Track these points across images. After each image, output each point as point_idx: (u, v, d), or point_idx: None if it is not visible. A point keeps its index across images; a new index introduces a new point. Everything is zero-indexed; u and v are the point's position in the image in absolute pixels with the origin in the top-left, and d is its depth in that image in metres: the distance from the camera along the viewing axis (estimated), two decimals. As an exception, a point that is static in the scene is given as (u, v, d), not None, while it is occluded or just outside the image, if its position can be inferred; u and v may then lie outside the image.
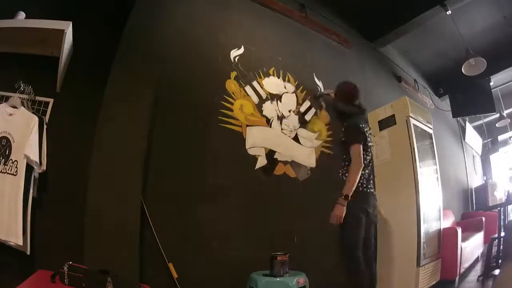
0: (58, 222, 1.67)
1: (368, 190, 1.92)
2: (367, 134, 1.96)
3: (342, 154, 1.98)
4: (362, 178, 1.88)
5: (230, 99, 2.30)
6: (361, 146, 1.87)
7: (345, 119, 2.05)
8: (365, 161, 1.89)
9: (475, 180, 5.67)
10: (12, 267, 1.49)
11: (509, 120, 4.90)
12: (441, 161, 3.16)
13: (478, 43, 3.68)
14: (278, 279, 1.75)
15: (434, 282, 2.57)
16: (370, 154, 2.01)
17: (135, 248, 1.62)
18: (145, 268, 1.66)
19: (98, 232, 1.55)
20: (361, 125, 1.94)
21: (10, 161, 1.53)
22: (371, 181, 1.99)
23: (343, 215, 1.77)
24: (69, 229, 1.64)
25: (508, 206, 3.11)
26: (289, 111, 2.65)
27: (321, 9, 3.37)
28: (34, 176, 1.61)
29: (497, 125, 5.10)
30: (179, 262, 1.78)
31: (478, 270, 3.22)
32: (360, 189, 1.86)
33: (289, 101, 2.67)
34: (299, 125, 2.67)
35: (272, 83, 2.60)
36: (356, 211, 1.81)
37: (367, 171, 1.93)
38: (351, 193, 1.80)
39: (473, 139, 5.73)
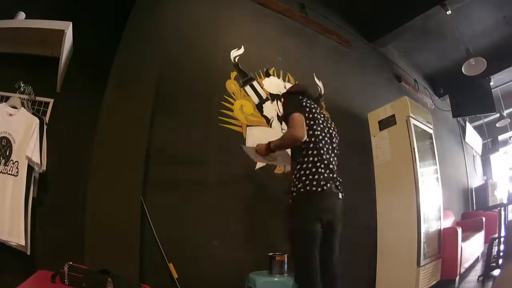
0: (58, 222, 1.67)
1: (320, 189, 1.45)
2: (312, 110, 1.62)
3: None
4: (309, 169, 1.49)
5: (230, 99, 2.30)
6: (302, 116, 1.53)
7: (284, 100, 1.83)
8: (313, 138, 1.55)
9: (475, 180, 5.67)
10: (12, 267, 1.49)
11: (509, 120, 4.90)
12: (441, 161, 3.17)
13: (478, 43, 3.68)
14: (276, 279, 1.76)
15: (434, 282, 2.57)
16: (323, 135, 1.60)
17: (135, 248, 1.62)
18: (145, 268, 1.66)
19: (98, 232, 1.55)
20: (299, 99, 1.64)
21: (11, 161, 1.53)
22: (328, 175, 1.51)
23: (261, 152, 1.69)
24: (69, 229, 1.64)
25: (508, 206, 3.10)
26: (289, 111, 2.64)
27: (321, 9, 3.37)
28: (35, 177, 1.61)
29: (497, 125, 5.10)
30: (179, 262, 1.78)
31: (478, 270, 3.22)
32: (308, 188, 1.45)
33: (289, 101, 2.67)
34: (299, 125, 2.67)
35: (272, 83, 2.60)
36: (304, 217, 1.45)
37: (314, 157, 1.51)
38: (274, 146, 1.62)
39: (473, 139, 5.73)
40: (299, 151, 1.55)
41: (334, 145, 1.70)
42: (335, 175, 1.58)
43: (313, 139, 1.56)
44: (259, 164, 2.30)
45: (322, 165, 1.52)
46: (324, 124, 1.68)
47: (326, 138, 1.63)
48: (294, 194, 1.50)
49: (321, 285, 1.40)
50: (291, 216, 1.52)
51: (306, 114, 1.59)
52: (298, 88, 1.85)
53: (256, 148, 1.79)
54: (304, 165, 1.52)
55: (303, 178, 1.49)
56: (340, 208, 1.57)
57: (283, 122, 2.47)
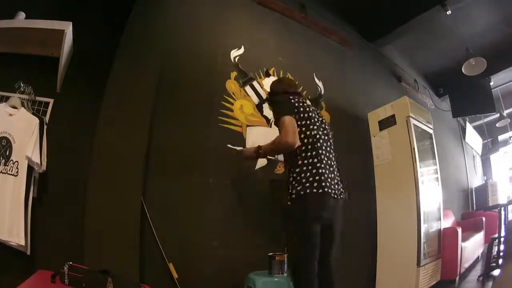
0: (58, 222, 1.67)
1: (321, 191, 1.42)
2: (306, 108, 1.56)
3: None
4: (309, 171, 1.45)
5: (230, 99, 2.30)
6: (293, 118, 1.47)
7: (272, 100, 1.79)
8: (310, 138, 1.50)
9: (475, 180, 5.67)
10: (12, 267, 1.49)
11: (509, 120, 4.90)
12: (441, 161, 3.16)
13: (478, 43, 3.68)
14: (276, 279, 1.76)
15: (434, 282, 2.57)
16: (320, 134, 1.55)
17: (135, 248, 1.62)
18: (145, 268, 1.66)
19: (98, 232, 1.55)
20: (289, 99, 1.57)
21: (11, 161, 1.53)
22: (328, 175, 1.48)
23: (247, 157, 1.70)
24: (69, 229, 1.64)
25: (508, 206, 3.10)
26: (289, 111, 2.64)
27: (321, 9, 3.37)
28: (34, 177, 1.61)
29: (497, 125, 5.11)
30: (179, 262, 1.78)
31: (478, 270, 3.22)
32: (308, 190, 1.42)
33: (289, 101, 2.66)
34: (299, 125, 2.67)
35: (272, 83, 2.60)
36: (304, 218, 1.44)
37: (313, 158, 1.47)
38: (264, 152, 1.61)
39: (473, 139, 5.73)
40: (295, 153, 1.49)
41: (331, 144, 1.65)
42: (336, 174, 1.55)
43: (310, 139, 1.51)
44: (259, 164, 2.30)
45: (322, 165, 1.47)
46: (320, 122, 1.62)
47: (323, 136, 1.58)
48: (293, 196, 1.45)
49: (317, 285, 1.40)
50: (290, 218, 1.49)
51: (300, 115, 1.53)
52: (282, 87, 1.77)
53: (244, 153, 1.76)
54: (304, 168, 1.46)
55: (303, 181, 1.44)
56: (340, 209, 1.55)
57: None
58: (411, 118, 2.71)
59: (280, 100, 1.60)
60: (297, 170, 1.47)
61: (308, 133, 1.53)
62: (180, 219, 1.89)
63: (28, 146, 1.57)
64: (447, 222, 3.42)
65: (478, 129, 5.98)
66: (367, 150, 2.96)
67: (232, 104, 2.30)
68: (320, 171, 1.46)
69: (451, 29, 3.52)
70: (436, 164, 2.99)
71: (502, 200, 4.99)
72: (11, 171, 1.52)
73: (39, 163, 1.59)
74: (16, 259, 1.50)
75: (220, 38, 2.42)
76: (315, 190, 1.43)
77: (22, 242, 1.46)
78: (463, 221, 4.20)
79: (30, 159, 1.56)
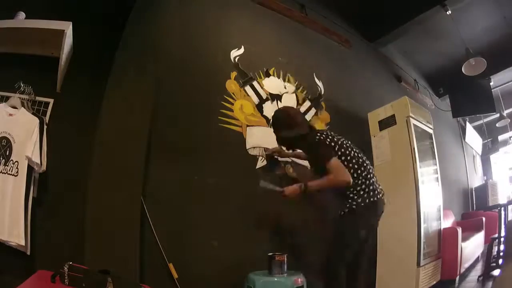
0: (58, 222, 1.67)
1: (378, 197, 1.70)
2: (337, 142, 1.74)
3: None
4: (363, 192, 1.67)
5: (230, 99, 2.30)
6: (338, 160, 1.66)
7: (299, 145, 1.89)
8: (355, 175, 1.67)
9: (475, 180, 5.67)
10: (12, 267, 1.49)
11: (509, 120, 4.90)
12: (441, 161, 3.16)
13: (478, 43, 3.68)
14: (275, 279, 1.76)
15: (434, 282, 2.57)
16: (358, 166, 1.72)
17: (135, 248, 1.62)
18: (145, 268, 1.66)
19: (98, 232, 1.55)
20: (323, 139, 1.73)
21: (11, 161, 1.53)
22: (376, 188, 1.73)
23: (294, 196, 1.76)
24: (69, 229, 1.64)
25: (508, 206, 3.10)
26: (289, 111, 2.64)
27: (321, 9, 3.37)
28: (35, 177, 1.61)
29: (497, 125, 5.10)
30: (179, 262, 1.78)
31: (478, 270, 3.22)
32: (373, 198, 1.67)
33: (289, 101, 2.67)
34: (299, 125, 2.67)
35: (272, 83, 2.60)
36: (367, 221, 1.69)
37: (362, 186, 1.68)
38: (311, 187, 1.69)
39: (473, 139, 5.73)
40: (355, 183, 1.67)
41: (364, 158, 1.82)
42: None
43: (351, 164, 1.69)
44: (259, 164, 2.30)
45: (376, 187, 1.72)
46: (349, 146, 1.78)
47: (355, 154, 1.76)
48: (354, 206, 1.65)
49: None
50: (347, 225, 1.68)
51: (338, 153, 1.69)
52: (290, 124, 1.84)
53: (287, 193, 1.79)
54: (362, 187, 1.68)
55: (363, 194, 1.67)
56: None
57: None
58: (411, 118, 2.71)
59: (314, 143, 1.73)
60: (354, 191, 1.68)
61: (346, 163, 1.70)
62: (180, 219, 1.89)
63: (28, 146, 1.56)
64: (447, 222, 3.42)
65: (478, 129, 5.98)
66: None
67: (232, 104, 2.30)
68: (373, 187, 1.71)
69: (451, 29, 3.52)
70: (436, 164, 2.99)
71: (502, 200, 5.00)
72: (11, 171, 1.52)
73: (39, 163, 1.59)
74: (16, 259, 1.50)
75: (220, 38, 2.42)
76: (372, 199, 1.67)
77: (22, 242, 1.46)
78: (463, 221, 4.20)
79: (30, 159, 1.56)
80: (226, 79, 2.33)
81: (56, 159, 1.70)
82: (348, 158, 1.71)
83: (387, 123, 2.85)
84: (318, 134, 1.77)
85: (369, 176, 1.72)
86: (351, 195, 1.66)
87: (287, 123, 1.85)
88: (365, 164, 1.75)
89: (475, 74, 3.35)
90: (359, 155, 1.78)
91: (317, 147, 1.72)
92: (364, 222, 1.67)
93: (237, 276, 1.86)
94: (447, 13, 3.21)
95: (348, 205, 1.66)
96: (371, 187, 1.68)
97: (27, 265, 1.50)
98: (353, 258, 1.67)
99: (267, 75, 2.59)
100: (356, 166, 1.70)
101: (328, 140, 1.73)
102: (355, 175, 1.67)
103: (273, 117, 1.98)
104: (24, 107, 1.65)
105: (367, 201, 1.65)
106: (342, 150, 1.72)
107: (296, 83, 2.77)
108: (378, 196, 1.69)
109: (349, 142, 1.82)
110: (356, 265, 1.70)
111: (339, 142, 1.75)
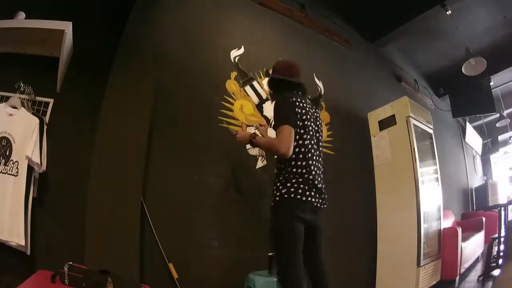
0: (58, 222, 1.67)
1: (304, 198, 1.48)
2: (303, 115, 1.56)
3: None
4: (296, 180, 1.49)
5: (230, 99, 2.30)
6: (292, 129, 1.49)
7: (278, 91, 1.75)
8: (302, 148, 1.52)
9: (475, 180, 5.67)
10: (12, 267, 1.49)
11: (509, 120, 4.90)
12: (441, 161, 3.17)
13: (478, 43, 3.68)
14: (275, 279, 1.75)
15: (434, 282, 2.57)
16: (315, 145, 1.59)
17: (135, 248, 1.62)
18: (145, 268, 1.66)
19: (98, 232, 1.55)
20: (293, 102, 1.56)
21: (11, 161, 1.53)
22: (312, 189, 1.51)
23: (242, 142, 1.76)
24: (69, 229, 1.64)
25: (508, 206, 3.10)
26: (289, 111, 2.64)
27: (322, 9, 3.37)
28: (34, 177, 1.61)
29: (497, 125, 5.10)
30: (179, 262, 1.78)
31: (478, 270, 3.23)
32: (292, 196, 1.47)
33: (289, 101, 2.66)
34: (299, 125, 2.66)
35: (272, 83, 2.59)
36: (287, 218, 1.47)
37: (302, 169, 1.50)
38: (257, 143, 1.64)
39: (473, 139, 5.73)
40: (287, 160, 1.52)
41: (320, 149, 1.68)
42: (320, 192, 1.57)
43: (302, 149, 1.54)
44: (259, 164, 2.30)
45: (311, 176, 1.52)
46: (312, 128, 1.62)
47: (314, 146, 1.61)
48: (277, 198, 1.51)
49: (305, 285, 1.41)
50: (273, 218, 1.54)
51: (298, 122, 1.54)
52: (285, 75, 1.71)
53: (238, 135, 1.81)
54: (292, 175, 1.51)
55: (288, 185, 1.49)
56: (319, 218, 1.61)
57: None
58: (411, 118, 2.71)
59: (284, 103, 1.58)
60: (286, 175, 1.52)
61: (301, 142, 1.55)
62: (180, 219, 1.89)
63: (28, 146, 1.56)
64: (447, 222, 3.43)
65: (478, 129, 5.98)
66: (367, 150, 2.96)
67: (232, 104, 2.30)
68: (306, 186, 1.50)
69: (451, 29, 3.52)
70: (436, 164, 2.99)
71: (502, 200, 5.00)
72: (11, 171, 1.52)
73: (39, 163, 1.59)
74: (16, 259, 1.50)
75: (220, 38, 2.42)
76: (299, 197, 1.48)
77: (22, 242, 1.46)
78: (463, 221, 4.20)
79: (30, 159, 1.55)
80: (226, 79, 2.33)
81: (56, 159, 1.70)
82: (300, 142, 1.54)
83: (387, 123, 2.85)
84: (296, 99, 1.58)
85: (308, 176, 1.51)
86: (279, 185, 1.53)
87: (286, 66, 1.76)
88: (310, 162, 1.54)
89: (475, 74, 3.35)
90: (314, 147, 1.60)
91: (283, 105, 1.57)
92: (285, 218, 1.48)
93: (237, 276, 1.86)
94: (447, 13, 3.21)
95: (272, 197, 1.55)
96: (301, 186, 1.49)
97: (27, 265, 1.50)
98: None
99: (267, 75, 2.57)
100: (301, 156, 1.53)
101: (300, 109, 1.56)
102: (293, 163, 1.52)
103: (276, 62, 1.87)
104: (24, 107, 1.65)
105: (292, 196, 1.47)
106: (305, 129, 1.57)
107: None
108: (307, 199, 1.49)
109: (318, 129, 1.69)
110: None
111: (307, 122, 1.58)
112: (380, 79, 3.82)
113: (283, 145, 1.45)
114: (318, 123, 1.71)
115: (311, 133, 1.60)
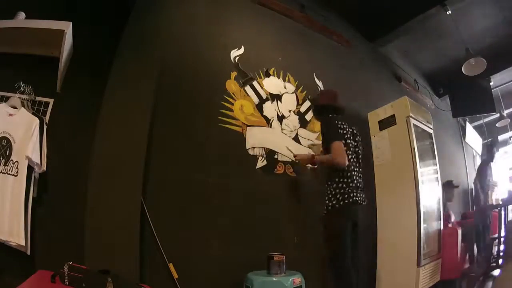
0: (58, 222, 1.67)
1: (351, 201, 1.85)
2: (344, 135, 1.94)
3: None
4: (344, 190, 1.85)
5: (230, 99, 2.30)
6: (342, 144, 1.86)
7: (322, 116, 2.17)
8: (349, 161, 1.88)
9: (475, 180, 5.65)
10: (12, 267, 1.49)
11: (509, 120, 4.90)
12: (441, 161, 3.17)
13: (478, 43, 3.68)
14: (274, 279, 1.76)
15: (434, 282, 2.57)
16: (354, 158, 1.97)
17: (135, 248, 1.62)
18: (145, 268, 1.66)
19: (98, 232, 1.55)
20: (337, 125, 1.95)
21: (11, 161, 1.53)
22: (355, 194, 1.88)
23: (304, 162, 2.25)
24: (69, 229, 1.64)
25: (508, 206, 3.10)
26: (289, 111, 2.65)
27: (321, 9, 3.37)
28: (34, 177, 1.61)
29: (497, 125, 5.10)
30: (179, 262, 1.78)
31: (478, 270, 3.22)
32: (342, 203, 1.83)
33: (289, 101, 2.67)
34: (299, 125, 2.67)
35: (272, 83, 2.60)
36: (339, 223, 1.82)
37: (347, 179, 1.88)
38: (319, 162, 2.07)
39: (473, 139, 5.73)
40: (337, 173, 1.88)
41: (360, 161, 2.02)
42: (361, 192, 1.94)
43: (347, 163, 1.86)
44: (259, 164, 2.30)
45: (353, 185, 1.88)
46: (352, 145, 1.98)
47: (354, 159, 1.95)
48: (330, 208, 1.85)
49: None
50: (328, 224, 1.87)
51: (345, 141, 1.90)
52: (330, 102, 2.13)
53: (298, 158, 2.31)
54: (340, 185, 1.86)
55: (338, 196, 1.84)
56: (360, 212, 1.95)
57: (282, 121, 2.59)
58: (411, 118, 2.72)
59: (329, 122, 1.99)
60: (334, 185, 1.88)
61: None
62: (180, 219, 1.89)
63: (28, 146, 1.56)
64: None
65: (478, 129, 5.98)
66: (367, 150, 2.96)
67: (232, 104, 2.30)
68: (351, 194, 1.85)
69: (451, 29, 3.52)
70: (436, 164, 2.99)
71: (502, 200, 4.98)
72: (11, 171, 1.52)
73: (39, 163, 1.59)
74: (16, 259, 1.50)
75: (220, 38, 2.42)
76: (347, 201, 1.82)
77: (22, 242, 1.46)
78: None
79: (30, 159, 1.55)
80: (226, 79, 2.33)
81: (56, 159, 1.70)
82: (348, 157, 1.90)
83: (387, 123, 2.85)
84: (339, 121, 1.97)
85: (351, 184, 1.88)
86: (330, 196, 1.87)
87: (331, 96, 2.18)
88: (352, 173, 1.91)
89: (475, 74, 3.35)
90: (355, 161, 1.98)
91: (330, 127, 1.95)
92: (338, 222, 1.82)
93: (237, 276, 1.86)
94: (447, 13, 3.21)
95: (325, 206, 1.88)
96: (346, 195, 1.84)
97: (27, 265, 1.49)
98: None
99: (267, 75, 2.59)
100: (347, 169, 1.89)
101: (342, 129, 1.94)
102: (340, 173, 1.88)
103: (321, 90, 2.59)
104: (24, 107, 1.65)
105: (341, 203, 1.82)
106: (347, 146, 1.93)
107: (296, 83, 2.77)
108: (352, 199, 1.84)
109: (359, 148, 2.06)
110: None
111: (348, 141, 1.95)
112: (380, 79, 3.82)
113: (341, 158, 1.81)
114: (357, 138, 2.06)
115: (351, 148, 1.96)
